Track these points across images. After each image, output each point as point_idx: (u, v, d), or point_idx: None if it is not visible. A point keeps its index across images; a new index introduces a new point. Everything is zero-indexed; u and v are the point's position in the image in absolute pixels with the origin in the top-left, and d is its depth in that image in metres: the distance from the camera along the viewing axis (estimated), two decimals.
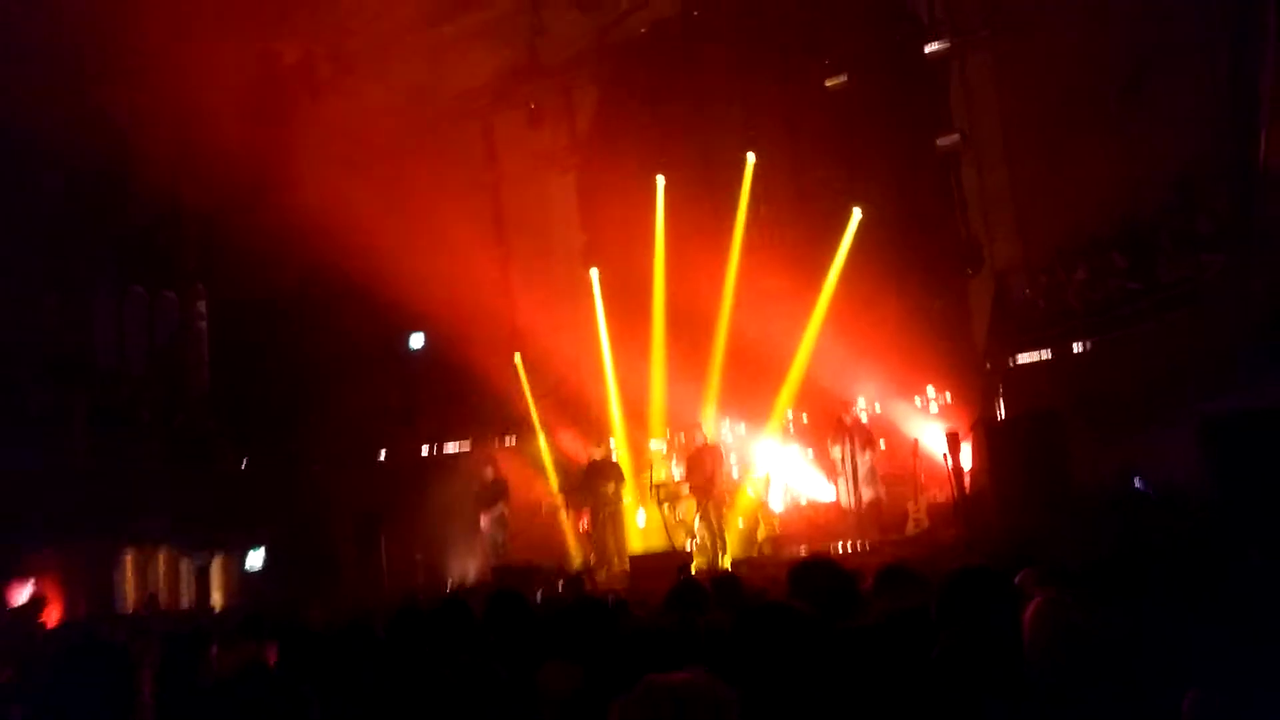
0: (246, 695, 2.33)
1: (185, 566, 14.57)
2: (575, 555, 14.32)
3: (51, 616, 10.99)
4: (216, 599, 14.39)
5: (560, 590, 10.73)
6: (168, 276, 16.36)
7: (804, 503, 14.27)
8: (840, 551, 11.61)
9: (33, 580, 10.44)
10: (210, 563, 14.55)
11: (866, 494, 12.31)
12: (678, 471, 13.92)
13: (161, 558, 14.26)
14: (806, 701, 2.26)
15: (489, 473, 14.21)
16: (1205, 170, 10.87)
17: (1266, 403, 8.13)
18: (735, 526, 13.73)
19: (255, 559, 14.50)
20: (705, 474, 12.86)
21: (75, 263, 14.75)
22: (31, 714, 2.16)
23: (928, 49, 14.05)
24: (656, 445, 14.85)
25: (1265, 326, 8.55)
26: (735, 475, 14.13)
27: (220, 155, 14.97)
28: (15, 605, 10.81)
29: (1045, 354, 12.39)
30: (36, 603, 10.38)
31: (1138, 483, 9.99)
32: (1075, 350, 12.06)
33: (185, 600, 14.08)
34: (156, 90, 14.07)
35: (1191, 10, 11.30)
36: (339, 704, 2.33)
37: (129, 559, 13.75)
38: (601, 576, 12.83)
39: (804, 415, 14.73)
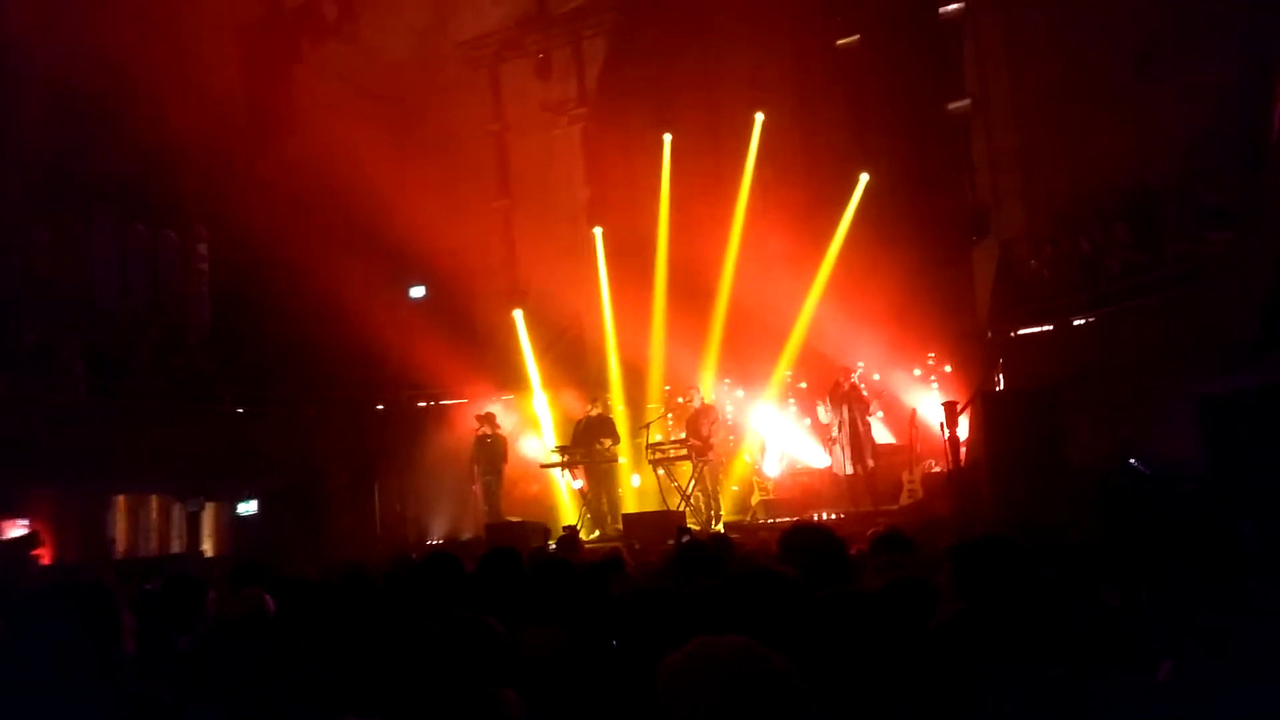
0: (245, 641, 2.30)
1: (177, 512, 14.59)
2: (568, 513, 14.35)
3: (44, 556, 11.02)
4: (208, 546, 14.43)
5: (553, 549, 10.74)
6: (169, 216, 16.23)
7: (799, 468, 14.28)
8: (832, 519, 11.62)
9: (28, 517, 10.42)
10: (202, 509, 14.56)
11: (861, 462, 12.31)
12: (674, 433, 13.90)
13: (154, 502, 14.29)
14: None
15: (485, 428, 14.17)
16: (1215, 143, 10.70)
17: (1266, 381, 8.07)
18: (729, 490, 13.77)
19: (248, 506, 14.51)
20: (701, 436, 12.84)
21: (72, 198, 14.60)
22: (8, 651, 2.13)
23: (941, 10, 13.81)
24: (653, 406, 14.83)
25: (1266, 304, 8.47)
26: (731, 439, 14.13)
27: (223, 95, 14.78)
28: (6, 539, 10.83)
29: (1046, 326, 12.32)
30: (29, 538, 10.39)
31: (1133, 461, 9.96)
32: (1076, 324, 11.99)
33: (176, 546, 14.12)
34: (158, 25, 13.83)
35: None
36: (332, 654, 2.31)
37: (121, 502, 13.77)
38: (594, 535, 12.87)
39: (803, 381, 14.69)
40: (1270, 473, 6.57)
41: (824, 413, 12.69)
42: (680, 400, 14.27)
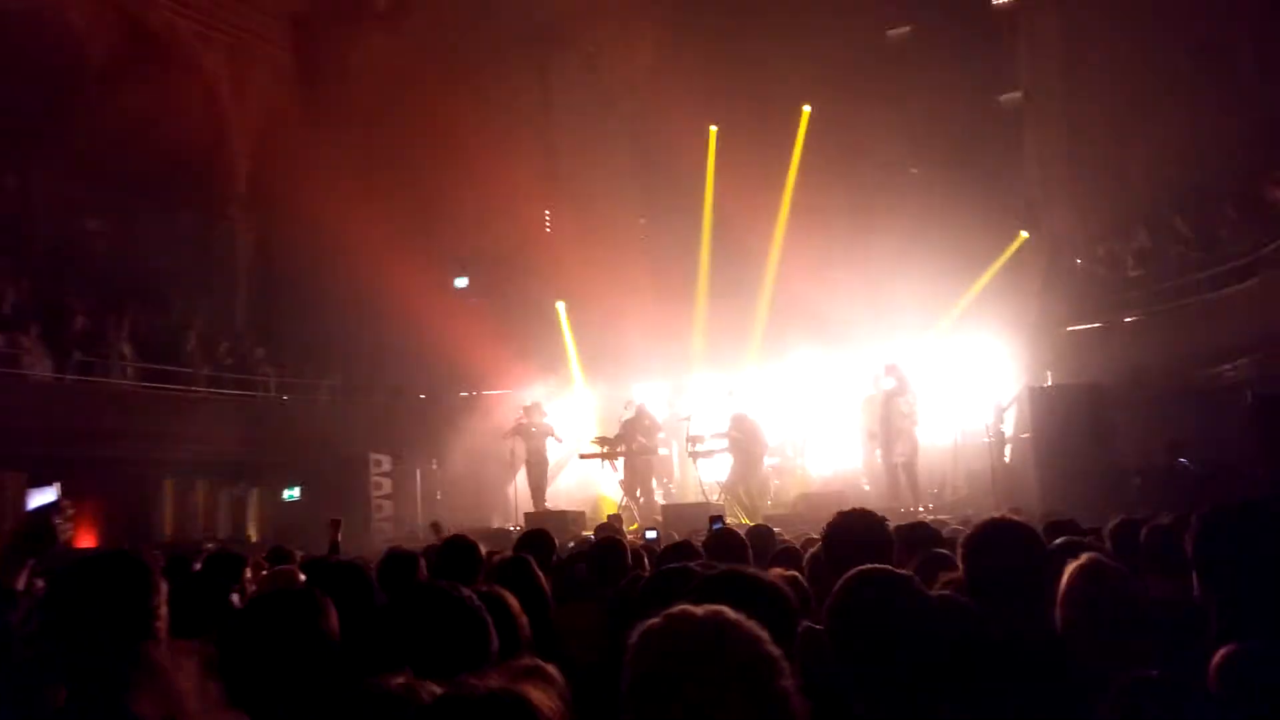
0: (276, 610, 2.33)
1: (224, 497, 14.83)
2: (609, 504, 14.35)
3: (74, 530, 11.17)
4: (252, 531, 14.66)
5: (592, 538, 10.76)
6: (217, 204, 16.48)
7: (841, 464, 14.14)
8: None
9: (58, 484, 10.52)
10: (248, 494, 14.78)
11: (899, 456, 12.14)
12: (714, 427, 13.84)
13: (201, 487, 14.53)
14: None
15: (528, 418, 14.20)
16: (1273, 139, 10.42)
17: None
18: (770, 484, 13.68)
19: (292, 492, 14.71)
20: (745, 432, 12.80)
21: (121, 186, 14.85)
22: (42, 620, 2.17)
23: (995, 2, 13.58)
24: (693, 401, 14.78)
25: None
26: (772, 435, 14.03)
27: (273, 84, 14.96)
28: (32, 508, 11.01)
29: (1097, 324, 12.08)
30: (54, 505, 10.51)
31: (1183, 460, 9.74)
32: (1128, 320, 11.74)
33: (223, 531, 14.35)
34: (210, 14, 14.03)
35: None
36: (358, 621, 2.33)
37: (168, 487, 14.01)
38: (634, 526, 12.86)
39: (845, 376, 14.54)
40: None
41: (865, 414, 12.54)
42: (722, 394, 14.20)
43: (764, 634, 1.46)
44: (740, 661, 1.39)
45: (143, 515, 13.36)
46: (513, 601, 2.42)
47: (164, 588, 2.26)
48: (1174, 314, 11.17)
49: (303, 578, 3.75)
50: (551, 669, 1.67)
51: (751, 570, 2.30)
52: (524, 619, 2.43)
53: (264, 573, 4.51)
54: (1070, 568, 3.01)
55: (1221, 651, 2.10)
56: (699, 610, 1.46)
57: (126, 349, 13.76)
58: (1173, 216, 12.07)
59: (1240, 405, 9.46)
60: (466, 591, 1.97)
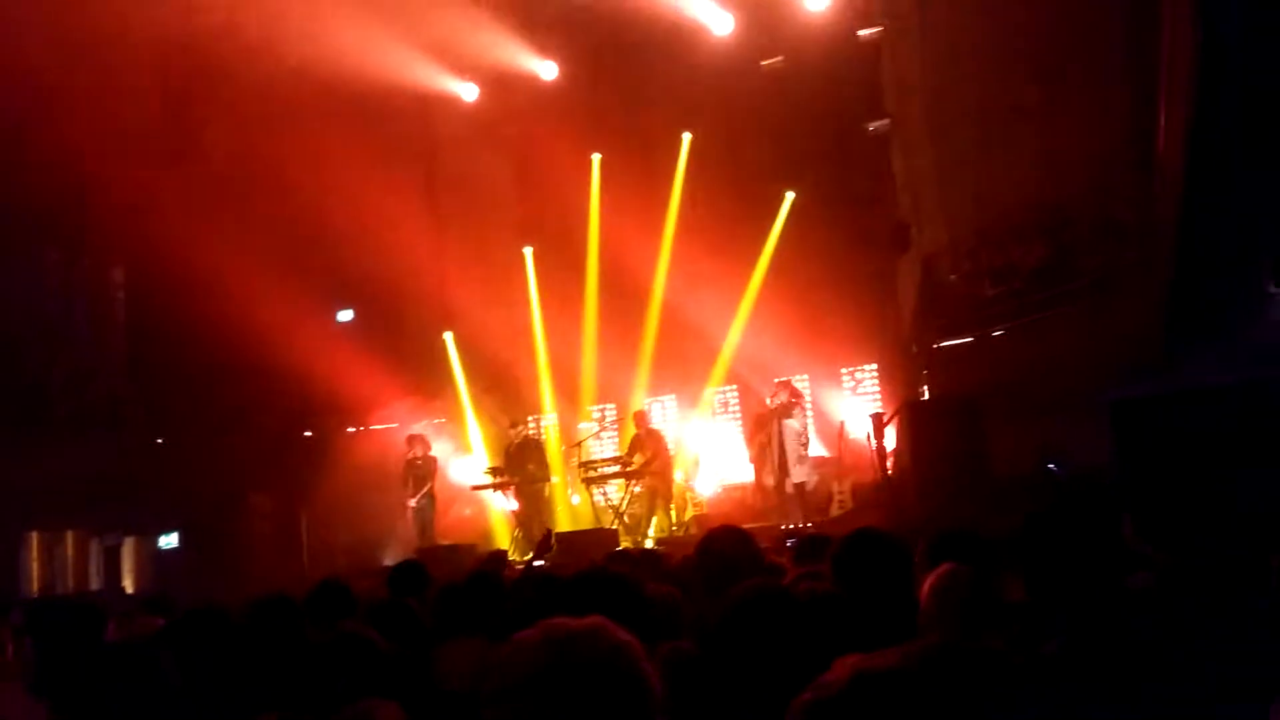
0: (112, 666, 2.23)
1: (95, 548, 14.15)
2: (501, 536, 14.22)
3: None
4: (128, 582, 14.01)
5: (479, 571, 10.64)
6: (82, 242, 15.80)
7: (731, 483, 14.35)
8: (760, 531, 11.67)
9: None
10: (121, 543, 14.14)
11: (795, 476, 12.38)
12: (606, 452, 13.91)
13: (70, 538, 13.83)
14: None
15: (417, 452, 13.99)
16: (1121, 159, 11.10)
17: (1171, 388, 8.37)
18: (662, 508, 13.79)
19: (169, 539, 14.13)
20: (645, 458, 12.90)
21: None
22: None
23: (860, 34, 14.13)
24: (585, 425, 14.82)
25: (1170, 315, 8.79)
26: (668, 454, 14.17)
27: (137, 117, 14.43)
28: None
29: (967, 338, 12.60)
30: None
31: (1051, 466, 10.22)
32: (994, 335, 12.29)
33: (95, 582, 13.69)
34: (70, 45, 13.49)
35: None
36: (205, 674, 2.26)
37: (34, 539, 13.31)
38: (528, 558, 12.75)
39: (734, 397, 14.81)
40: (1172, 473, 6.83)
41: (758, 440, 12.76)
42: (611, 418, 14.28)
43: (626, 637, 1.46)
44: (586, 665, 1.40)
45: (7, 571, 12.65)
46: (378, 641, 2.39)
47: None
48: (1035, 327, 11.74)
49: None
50: (390, 708, 1.65)
51: (610, 570, 2.33)
52: (385, 658, 2.39)
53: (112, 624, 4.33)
54: (930, 576, 3.16)
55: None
56: (569, 623, 1.46)
57: None
58: (1034, 234, 12.71)
59: (1100, 411, 9.95)
60: (312, 634, 1.94)
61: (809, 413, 13.17)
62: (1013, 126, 12.19)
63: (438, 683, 3.34)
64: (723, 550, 3.48)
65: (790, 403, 12.57)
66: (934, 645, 2.12)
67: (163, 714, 2.06)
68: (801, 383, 13.72)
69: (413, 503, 13.87)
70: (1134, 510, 3.80)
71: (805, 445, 12.54)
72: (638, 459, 13.09)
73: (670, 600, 3.30)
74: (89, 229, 15.83)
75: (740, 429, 14.41)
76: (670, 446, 14.14)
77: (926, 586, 3.11)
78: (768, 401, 12.77)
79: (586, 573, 2.36)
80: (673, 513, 13.50)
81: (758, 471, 13.00)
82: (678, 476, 13.93)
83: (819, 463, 13.27)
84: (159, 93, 15.64)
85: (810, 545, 4.74)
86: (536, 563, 7.06)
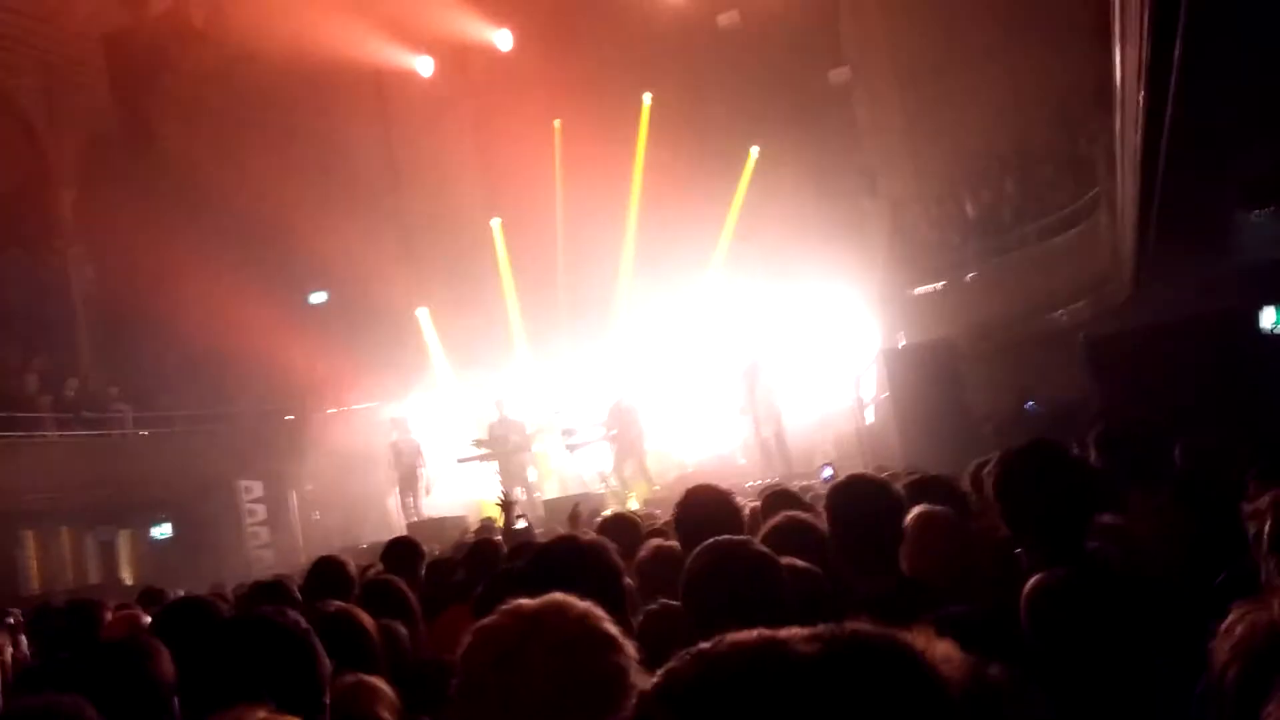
0: (98, 664, 2.27)
1: (91, 542, 14.16)
2: (486, 507, 14.28)
3: None
4: (126, 574, 14.04)
5: (471, 538, 10.70)
6: (46, 238, 15.61)
7: (718, 443, 14.42)
8: (749, 486, 11.77)
9: None
10: (115, 537, 14.14)
11: (771, 430, 12.43)
12: (586, 420, 13.95)
13: (65, 535, 13.83)
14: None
15: (397, 431, 14.02)
16: (1083, 96, 11.13)
17: (1141, 322, 8.49)
18: (649, 471, 13.86)
19: (162, 530, 14.15)
20: (623, 425, 12.95)
21: None
22: None
23: None
24: (563, 396, 14.84)
25: (1139, 247, 8.88)
26: (647, 423, 14.21)
27: (92, 109, 14.23)
28: None
29: (940, 283, 12.68)
30: None
31: (1029, 404, 10.36)
32: (967, 278, 12.37)
33: (94, 576, 13.72)
34: (19, 39, 13.24)
35: None
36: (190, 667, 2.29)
37: (30, 538, 13.31)
38: (514, 525, 12.81)
39: (710, 356, 14.83)
40: (1141, 405, 6.96)
41: (737, 399, 12.81)
42: (589, 389, 14.31)
43: (595, 611, 1.50)
44: (554, 647, 1.43)
45: (6, 570, 12.64)
46: (364, 619, 2.43)
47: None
48: (1008, 268, 11.83)
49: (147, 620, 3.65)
50: (376, 682, 1.69)
51: (578, 537, 2.37)
52: (374, 635, 2.43)
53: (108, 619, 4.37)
54: (909, 517, 3.24)
55: (1030, 583, 2.31)
56: (534, 601, 1.49)
57: None
58: (1001, 175, 12.77)
59: (1074, 347, 10.07)
60: (292, 616, 1.96)
61: (777, 369, 13.16)
62: (977, 72, 12.19)
63: (433, 653, 3.41)
64: (700, 508, 3.54)
65: (765, 358, 12.63)
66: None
67: (148, 714, 2.10)
68: (775, 337, 13.77)
69: (398, 481, 13.91)
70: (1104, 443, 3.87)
71: (775, 396, 12.61)
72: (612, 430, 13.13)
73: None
74: (51, 226, 15.64)
75: (726, 387, 14.41)
76: (645, 411, 14.18)
77: (906, 528, 3.17)
78: (743, 358, 12.80)
79: (557, 541, 2.41)
80: (654, 475, 13.58)
81: (743, 427, 13.04)
82: (657, 442, 13.97)
83: (798, 415, 13.34)
84: (109, 84, 15.38)
85: (776, 499, 4.78)
86: (520, 524, 7.15)
